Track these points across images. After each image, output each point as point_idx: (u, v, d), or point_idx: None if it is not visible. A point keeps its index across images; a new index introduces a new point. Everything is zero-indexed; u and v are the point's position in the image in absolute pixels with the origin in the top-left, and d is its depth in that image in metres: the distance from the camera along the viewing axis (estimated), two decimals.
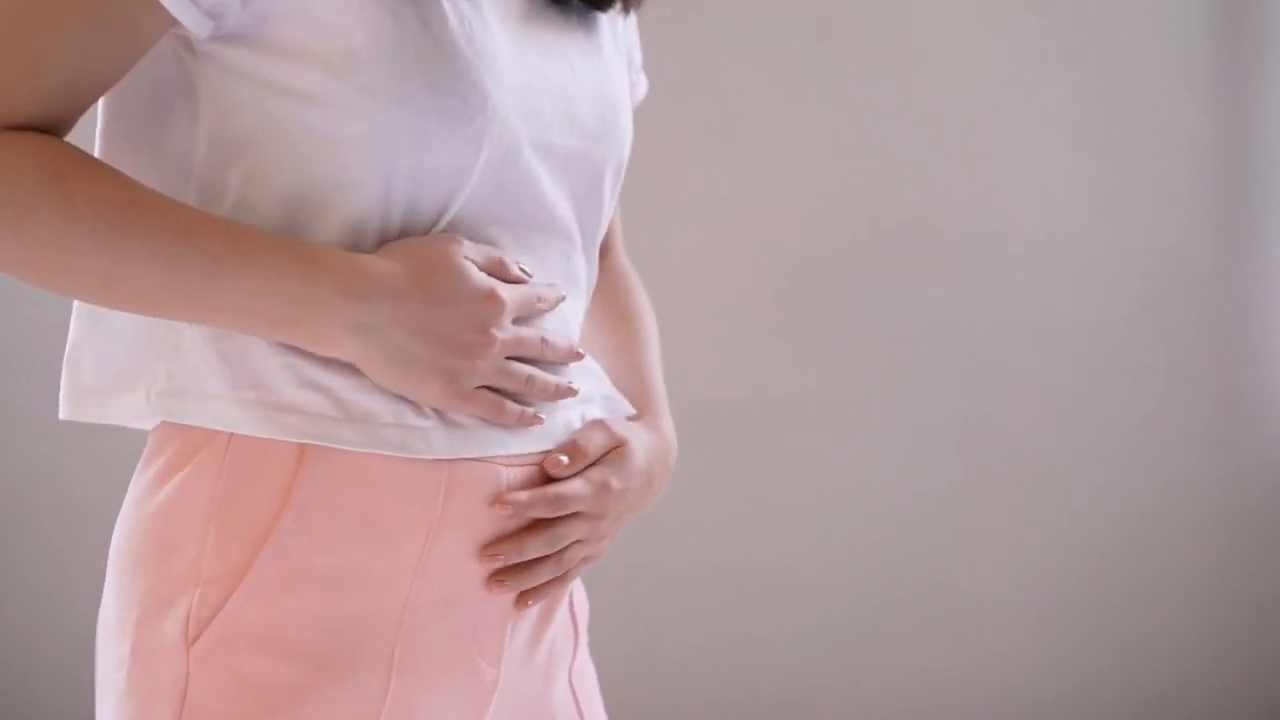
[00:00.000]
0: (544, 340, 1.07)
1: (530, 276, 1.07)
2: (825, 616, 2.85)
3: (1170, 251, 2.88)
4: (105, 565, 1.09)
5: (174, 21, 0.97)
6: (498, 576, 1.06)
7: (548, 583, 1.10)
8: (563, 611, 1.17)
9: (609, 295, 1.28)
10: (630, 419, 1.19)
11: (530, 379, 1.05)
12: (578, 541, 1.11)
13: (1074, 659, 2.90)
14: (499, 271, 1.05)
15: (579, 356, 1.10)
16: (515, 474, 1.07)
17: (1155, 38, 2.85)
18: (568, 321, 1.12)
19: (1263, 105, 2.87)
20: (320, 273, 0.98)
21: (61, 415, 1.08)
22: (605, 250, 1.30)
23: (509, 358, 1.05)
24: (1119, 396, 2.88)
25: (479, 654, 1.07)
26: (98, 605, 1.11)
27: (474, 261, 1.03)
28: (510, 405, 1.05)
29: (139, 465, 1.06)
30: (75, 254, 0.96)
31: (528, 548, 1.07)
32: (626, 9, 1.18)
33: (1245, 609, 2.92)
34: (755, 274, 2.80)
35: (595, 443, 1.12)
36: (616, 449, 1.14)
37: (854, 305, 2.82)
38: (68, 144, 0.98)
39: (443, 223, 1.04)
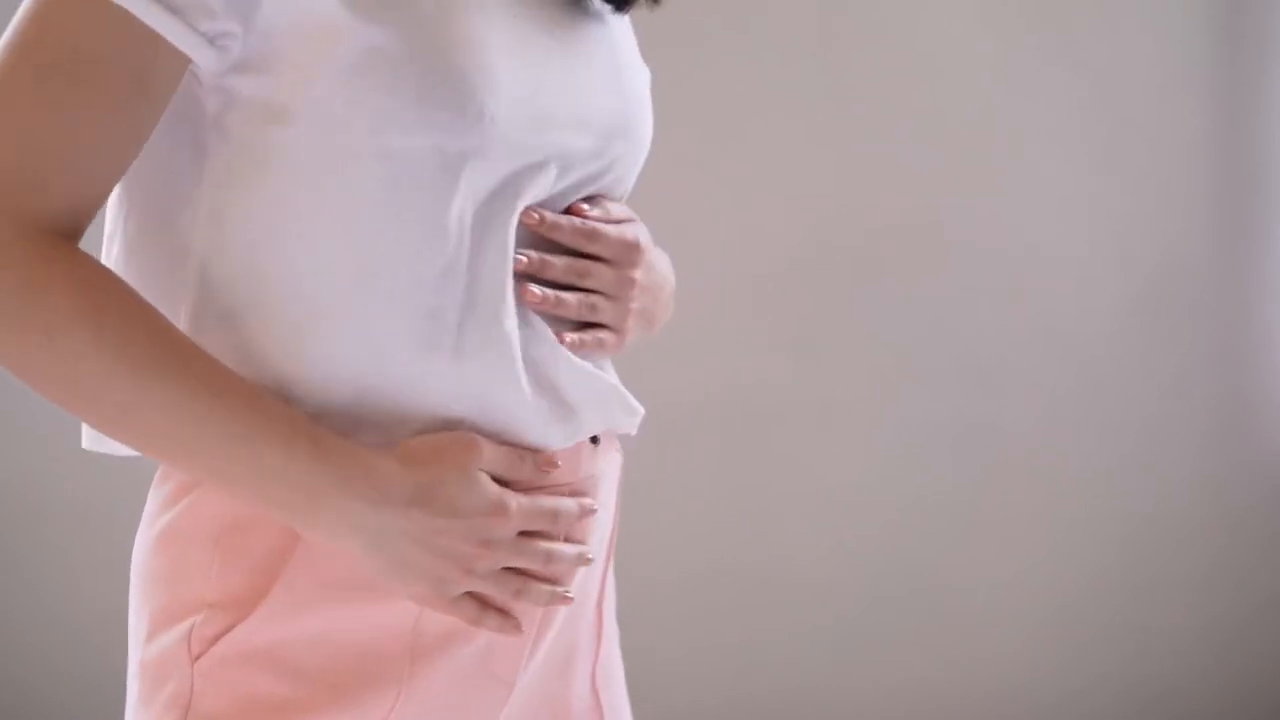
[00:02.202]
0: (548, 554, 1.05)
1: (557, 466, 1.06)
2: (822, 619, 2.85)
3: (1170, 254, 2.88)
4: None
5: (186, 60, 0.95)
6: (526, 288, 1.04)
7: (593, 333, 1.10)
8: (589, 608, 1.16)
9: None
10: None
11: (524, 587, 1.05)
12: (600, 295, 1.09)
13: (1074, 661, 2.90)
14: (515, 473, 1.04)
15: (584, 560, 1.08)
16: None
17: (1155, 40, 2.86)
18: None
19: (1263, 108, 2.87)
20: (335, 470, 0.97)
21: (84, 444, 1.07)
22: None
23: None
24: (1118, 398, 2.88)
25: (492, 672, 1.07)
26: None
27: (490, 468, 1.02)
28: (491, 616, 1.04)
29: (155, 478, 1.06)
30: (98, 384, 0.94)
31: (551, 263, 1.05)
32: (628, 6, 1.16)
33: (1245, 609, 2.92)
34: (753, 276, 2.80)
35: (617, 210, 1.12)
36: (639, 244, 1.13)
37: (853, 308, 2.82)
38: (103, 268, 0.96)
39: (464, 233, 1.01)
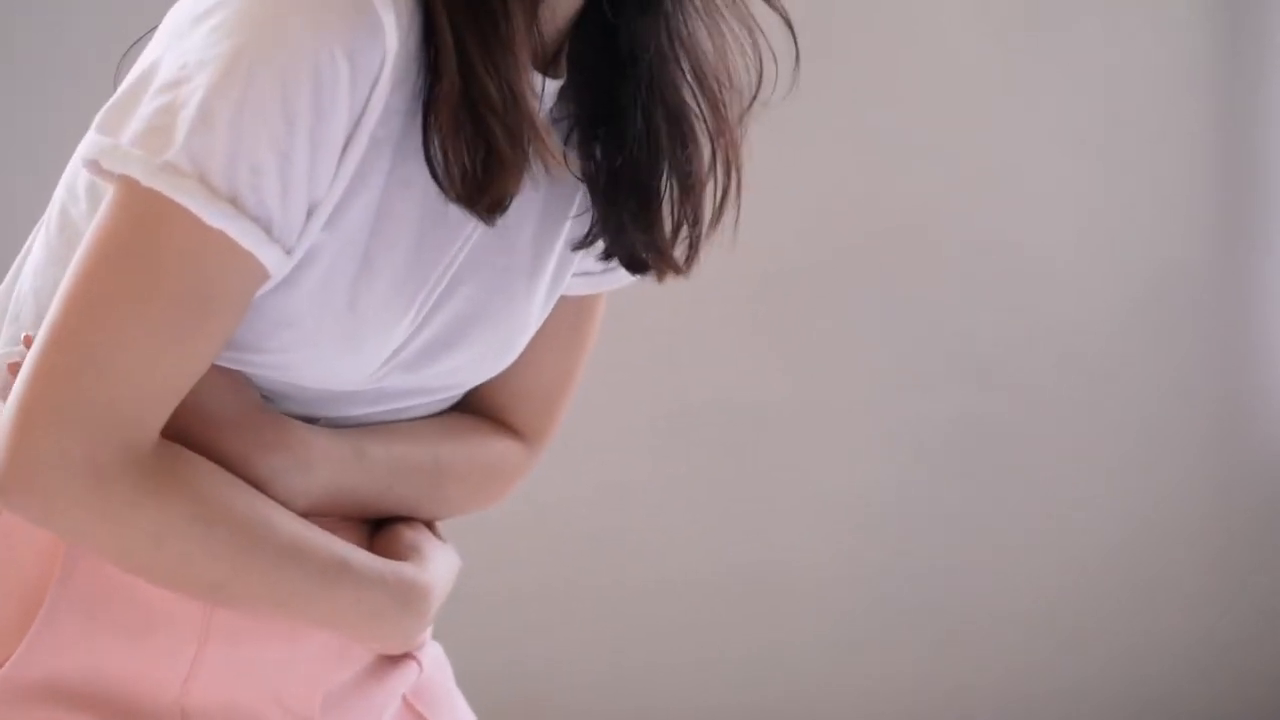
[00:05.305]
0: None
1: None
2: (818, 625, 2.85)
3: (1170, 254, 2.87)
4: None
5: (268, 274, 0.96)
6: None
7: None
8: None
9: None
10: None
11: None
12: None
13: (1072, 662, 2.90)
14: None
15: None
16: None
17: (1155, 40, 2.85)
18: None
19: (1263, 108, 2.86)
20: (398, 593, 1.05)
21: None
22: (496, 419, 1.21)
23: None
24: (1118, 398, 2.88)
25: (286, 708, 1.07)
26: None
27: None
28: None
29: None
30: (196, 574, 0.97)
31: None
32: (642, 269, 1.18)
33: (1245, 611, 2.92)
34: (747, 279, 2.79)
35: None
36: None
37: (849, 311, 2.82)
38: (202, 461, 0.98)
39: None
